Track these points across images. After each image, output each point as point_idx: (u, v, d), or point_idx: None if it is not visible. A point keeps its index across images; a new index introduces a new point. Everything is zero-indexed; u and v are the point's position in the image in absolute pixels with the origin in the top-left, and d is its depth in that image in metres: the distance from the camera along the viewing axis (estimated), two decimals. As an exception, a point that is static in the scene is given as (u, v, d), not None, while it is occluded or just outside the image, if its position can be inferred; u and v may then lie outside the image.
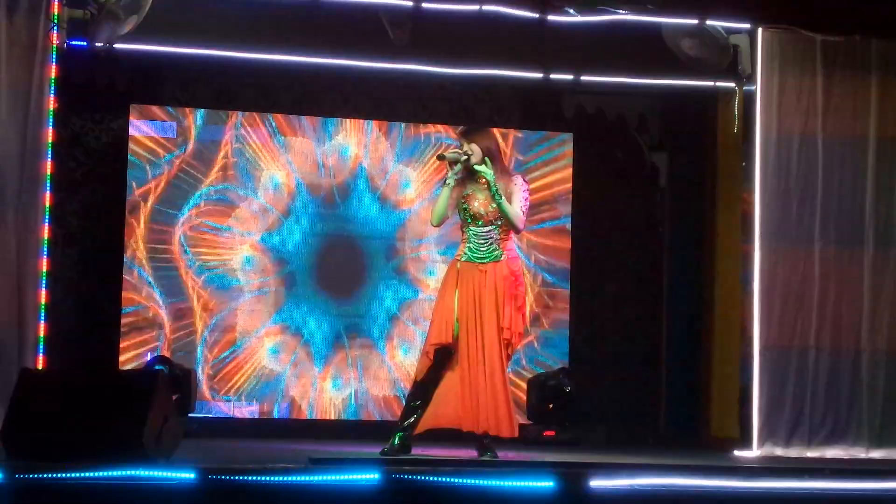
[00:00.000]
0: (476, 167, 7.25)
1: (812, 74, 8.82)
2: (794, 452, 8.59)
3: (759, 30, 8.80)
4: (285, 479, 5.87)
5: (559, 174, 10.10)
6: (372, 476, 5.86)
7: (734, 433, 9.01)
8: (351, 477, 5.88)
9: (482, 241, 7.30)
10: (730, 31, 8.74)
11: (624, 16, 8.52)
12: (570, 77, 9.24)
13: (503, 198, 7.21)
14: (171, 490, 5.66)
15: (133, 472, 5.71)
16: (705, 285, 9.97)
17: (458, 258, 7.37)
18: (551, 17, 8.55)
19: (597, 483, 6.01)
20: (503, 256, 7.30)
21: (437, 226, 7.47)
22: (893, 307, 8.82)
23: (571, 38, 8.65)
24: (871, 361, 8.74)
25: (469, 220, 7.33)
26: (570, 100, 9.93)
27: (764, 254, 8.75)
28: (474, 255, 7.31)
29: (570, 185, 10.10)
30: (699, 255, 10.06)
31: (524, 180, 7.41)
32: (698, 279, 10.03)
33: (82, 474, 5.67)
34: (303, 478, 5.91)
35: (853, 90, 8.86)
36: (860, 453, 8.63)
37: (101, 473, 5.68)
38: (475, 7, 8.45)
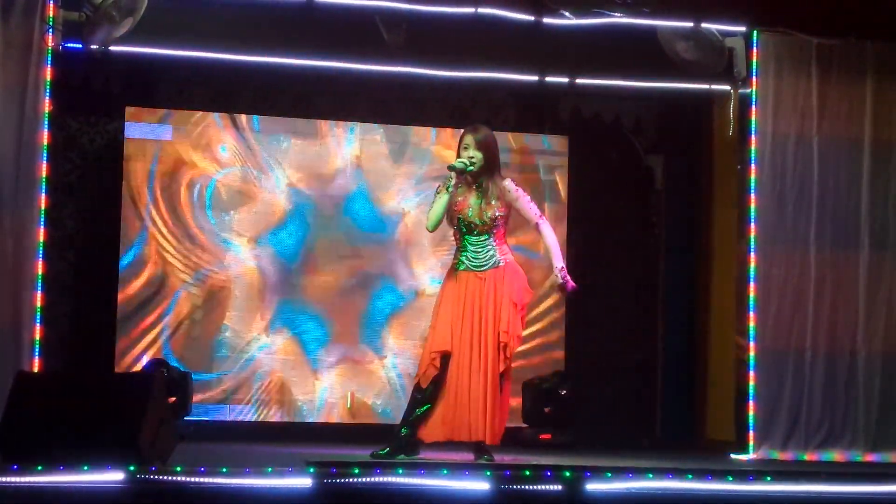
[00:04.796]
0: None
1: (807, 77, 8.83)
2: (790, 455, 8.59)
3: (755, 32, 8.80)
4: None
5: (555, 177, 10.10)
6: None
7: (730, 436, 9.01)
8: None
9: (479, 250, 7.28)
10: (725, 34, 8.74)
11: (619, 19, 8.51)
12: (565, 80, 9.26)
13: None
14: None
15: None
16: (701, 287, 9.97)
17: (455, 266, 7.34)
18: (547, 20, 8.55)
19: (593, 486, 6.00)
20: (502, 262, 7.28)
21: (433, 231, 7.44)
22: (889, 309, 8.82)
23: (567, 40, 8.66)
24: (867, 364, 8.74)
25: (464, 230, 7.30)
26: (565, 102, 9.93)
27: (760, 256, 8.75)
28: (473, 263, 7.28)
29: (565, 188, 10.09)
30: (695, 258, 10.06)
31: (514, 183, 7.38)
32: (694, 281, 10.03)
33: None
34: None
35: (848, 93, 8.87)
36: (856, 456, 8.63)
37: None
38: (471, 9, 8.45)
